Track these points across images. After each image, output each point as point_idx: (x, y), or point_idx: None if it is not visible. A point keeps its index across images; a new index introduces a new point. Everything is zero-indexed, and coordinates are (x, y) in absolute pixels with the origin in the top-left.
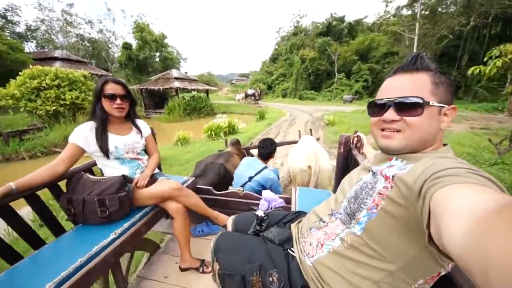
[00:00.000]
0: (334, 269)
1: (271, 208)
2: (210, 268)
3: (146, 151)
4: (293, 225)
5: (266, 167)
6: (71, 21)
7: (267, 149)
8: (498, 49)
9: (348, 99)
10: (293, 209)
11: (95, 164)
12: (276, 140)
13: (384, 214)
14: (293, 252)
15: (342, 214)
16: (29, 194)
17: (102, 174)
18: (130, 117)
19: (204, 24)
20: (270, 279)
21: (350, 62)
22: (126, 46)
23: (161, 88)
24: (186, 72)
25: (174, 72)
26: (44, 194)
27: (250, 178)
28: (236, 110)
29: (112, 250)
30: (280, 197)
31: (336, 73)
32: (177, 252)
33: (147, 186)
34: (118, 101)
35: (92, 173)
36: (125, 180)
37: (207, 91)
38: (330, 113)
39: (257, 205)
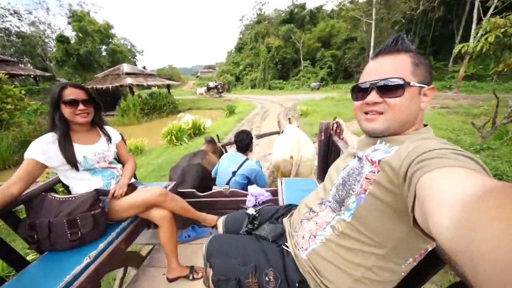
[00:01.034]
0: (328, 258)
1: (258, 203)
2: (200, 274)
3: (118, 160)
4: (285, 220)
5: (247, 159)
6: None
7: (244, 142)
8: (488, 22)
9: (315, 87)
10: (280, 200)
11: (58, 181)
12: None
13: (372, 198)
14: (287, 247)
15: (331, 202)
16: None
17: (69, 192)
18: (96, 124)
19: (162, 13)
20: (267, 278)
21: (314, 50)
22: (62, 39)
23: (110, 86)
24: (144, 67)
25: (125, 67)
26: None
27: (234, 173)
28: (204, 105)
29: (87, 276)
30: (267, 190)
31: (302, 61)
32: (163, 262)
33: (125, 195)
34: (81, 106)
35: (55, 192)
36: (99, 195)
37: (168, 87)
38: (301, 102)
39: (244, 202)
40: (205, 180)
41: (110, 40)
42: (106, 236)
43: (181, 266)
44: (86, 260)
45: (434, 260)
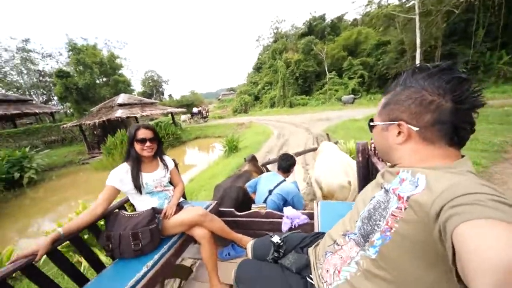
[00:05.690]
0: None
1: (294, 226)
2: None
3: (171, 182)
4: (310, 250)
5: (284, 180)
6: (27, 58)
7: (287, 161)
8: None
9: (348, 100)
10: (316, 225)
11: (127, 200)
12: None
13: (398, 237)
14: (311, 279)
15: (356, 235)
16: (73, 237)
17: (134, 209)
18: (157, 155)
19: (189, 44)
20: None
21: (340, 59)
22: (60, 75)
23: (97, 121)
24: (170, 95)
25: (120, 98)
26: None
27: (270, 192)
28: (213, 132)
29: (145, 284)
30: (303, 213)
31: (327, 72)
32: (207, 277)
33: (175, 213)
34: (148, 143)
35: (125, 209)
36: (154, 212)
37: (172, 115)
38: (337, 125)
39: (280, 223)
40: (243, 203)
41: (115, 71)
42: (159, 249)
43: (222, 284)
44: (144, 269)
45: None
